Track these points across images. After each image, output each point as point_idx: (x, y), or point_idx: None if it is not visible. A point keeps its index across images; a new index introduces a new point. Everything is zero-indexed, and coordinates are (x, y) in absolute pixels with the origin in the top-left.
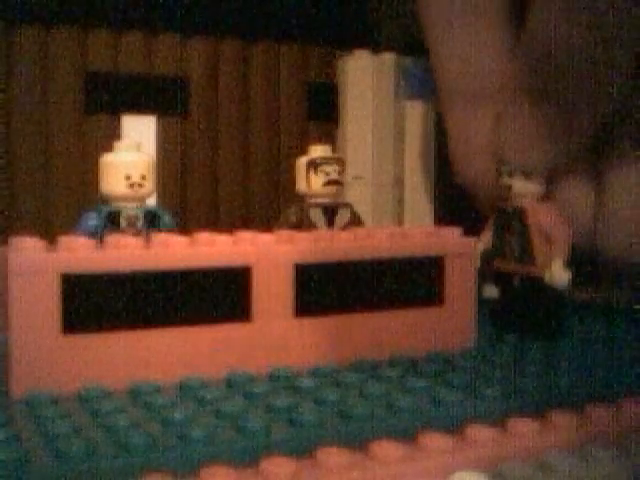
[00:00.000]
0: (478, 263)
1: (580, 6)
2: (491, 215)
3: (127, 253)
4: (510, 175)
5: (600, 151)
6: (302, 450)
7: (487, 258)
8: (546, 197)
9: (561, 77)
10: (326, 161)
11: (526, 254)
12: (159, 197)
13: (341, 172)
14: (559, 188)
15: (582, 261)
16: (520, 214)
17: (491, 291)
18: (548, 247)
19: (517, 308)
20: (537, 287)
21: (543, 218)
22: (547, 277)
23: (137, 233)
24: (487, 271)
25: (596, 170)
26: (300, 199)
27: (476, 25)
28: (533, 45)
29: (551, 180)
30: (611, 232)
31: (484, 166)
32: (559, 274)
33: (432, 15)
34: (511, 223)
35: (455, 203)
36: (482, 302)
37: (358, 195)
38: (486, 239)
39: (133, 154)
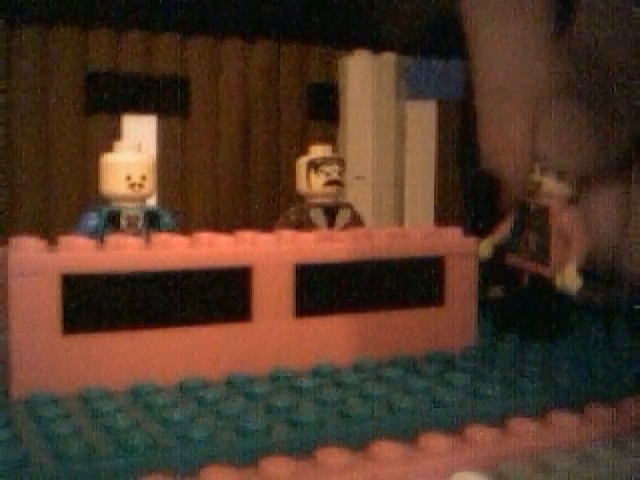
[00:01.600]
0: (489, 254)
1: (624, 7)
2: (510, 209)
3: (127, 253)
4: (542, 173)
5: (634, 165)
6: (302, 450)
7: (500, 252)
8: (572, 201)
9: (606, 81)
10: (326, 161)
11: (541, 254)
12: (159, 197)
13: (341, 172)
14: (588, 196)
15: (599, 273)
16: (543, 213)
17: (495, 290)
18: (565, 250)
19: (521, 307)
20: (546, 288)
21: (566, 220)
22: (559, 280)
23: (137, 233)
24: (495, 268)
25: (627, 184)
26: (300, 199)
27: (517, 22)
28: (578, 46)
29: (581, 186)
30: (635, 249)
31: (519, 162)
32: (571, 279)
33: (474, 9)
34: (532, 220)
35: (455, 203)
36: (485, 299)
37: (358, 195)
38: (503, 232)
39: (133, 154)
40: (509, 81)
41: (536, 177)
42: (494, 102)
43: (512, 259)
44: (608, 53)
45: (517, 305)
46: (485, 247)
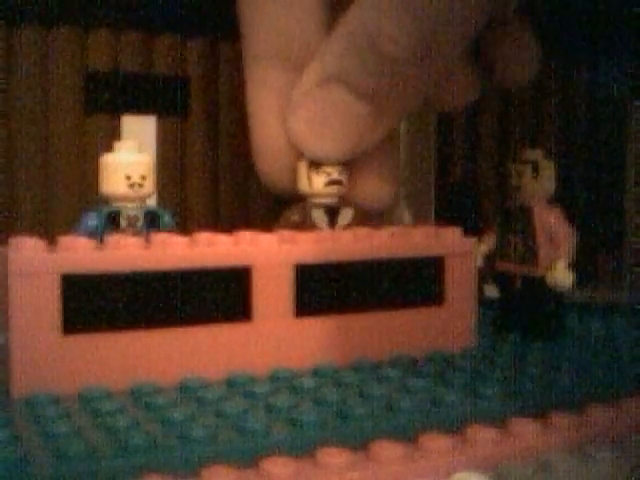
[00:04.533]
0: (480, 263)
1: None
2: (494, 216)
3: (127, 253)
4: (519, 176)
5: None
6: (302, 450)
7: (490, 259)
8: (553, 198)
9: (383, 70)
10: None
11: (529, 255)
12: (159, 197)
13: (342, 172)
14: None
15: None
16: (526, 214)
17: (491, 290)
18: (552, 248)
19: (518, 309)
20: (539, 288)
21: (549, 218)
22: (550, 278)
23: (137, 233)
24: (489, 272)
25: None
26: (301, 199)
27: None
28: (361, 33)
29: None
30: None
31: (280, 162)
32: (562, 276)
33: None
34: (515, 223)
35: (455, 203)
36: (485, 303)
37: None
38: (490, 240)
39: (133, 154)
40: (277, 49)
41: (515, 180)
42: (259, 72)
43: (502, 265)
44: (392, 44)
45: (513, 307)
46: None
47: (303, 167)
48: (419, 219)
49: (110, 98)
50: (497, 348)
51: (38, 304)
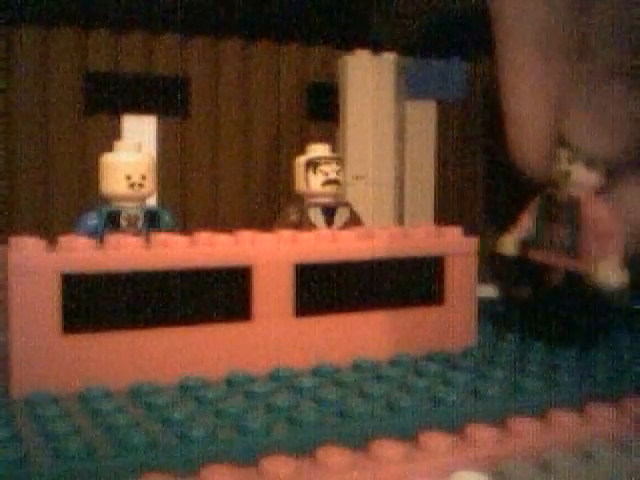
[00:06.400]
0: (513, 250)
1: None
2: (531, 202)
3: (127, 253)
4: (570, 162)
5: None
6: (302, 450)
7: (523, 247)
8: (601, 191)
9: None
10: (325, 161)
11: (573, 247)
12: (159, 197)
13: (340, 171)
14: (616, 185)
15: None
16: (574, 204)
17: (520, 291)
18: (601, 243)
19: (552, 308)
20: (581, 285)
21: (599, 211)
22: (596, 276)
23: (137, 233)
24: (521, 262)
25: None
26: (299, 199)
27: None
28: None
29: (611, 175)
30: None
31: (540, 148)
32: (610, 274)
33: None
34: (560, 212)
35: (455, 203)
36: (510, 300)
37: (358, 195)
38: (526, 226)
39: (133, 154)
40: (533, 32)
41: (564, 165)
42: (518, 59)
43: (537, 254)
44: None
45: (547, 307)
46: (509, 243)
47: (301, 167)
48: (419, 219)
49: (110, 98)
50: (497, 347)
51: (38, 304)
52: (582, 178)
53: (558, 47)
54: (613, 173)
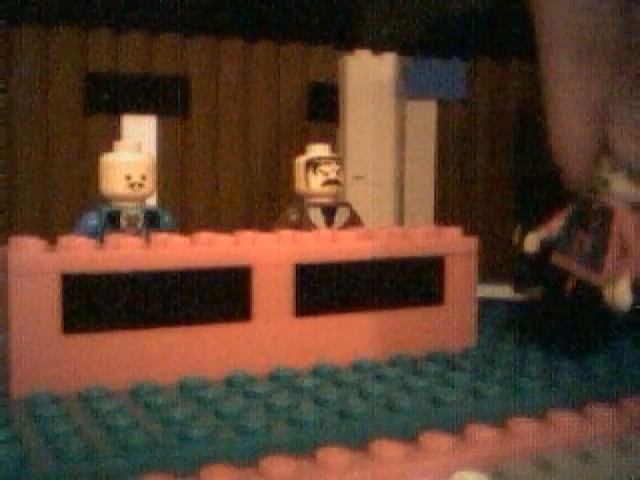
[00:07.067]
0: (535, 247)
1: None
2: (568, 205)
3: (127, 253)
4: (612, 170)
5: None
6: (302, 450)
7: (547, 249)
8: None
9: None
10: (325, 161)
11: (595, 258)
12: (159, 197)
13: (339, 171)
14: None
15: None
16: (606, 214)
17: (533, 292)
18: (622, 260)
19: (561, 312)
20: (592, 297)
21: (628, 226)
22: (609, 292)
23: (137, 233)
24: (540, 263)
25: None
26: (299, 199)
27: None
28: None
29: None
30: None
31: (581, 153)
32: (623, 294)
33: None
34: (591, 220)
35: (455, 203)
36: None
37: (358, 195)
38: (553, 228)
39: (133, 154)
40: (579, 36)
41: (604, 173)
42: (563, 65)
43: (559, 258)
44: None
45: (556, 309)
46: (531, 241)
47: (301, 167)
48: (419, 219)
49: (110, 98)
50: (497, 348)
51: (38, 304)
52: (621, 189)
53: (602, 54)
54: None
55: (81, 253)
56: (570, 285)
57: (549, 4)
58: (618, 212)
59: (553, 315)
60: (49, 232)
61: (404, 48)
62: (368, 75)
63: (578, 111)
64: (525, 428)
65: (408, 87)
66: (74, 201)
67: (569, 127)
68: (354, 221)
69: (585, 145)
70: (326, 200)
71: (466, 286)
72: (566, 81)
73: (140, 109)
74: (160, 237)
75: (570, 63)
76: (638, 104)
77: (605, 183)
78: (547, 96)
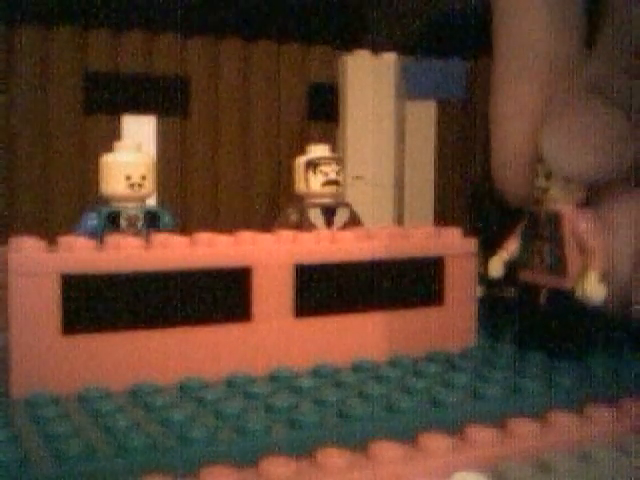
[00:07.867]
0: (500, 272)
1: None
2: (520, 221)
3: (127, 253)
4: (547, 177)
5: None
6: (302, 450)
7: (512, 268)
8: (584, 204)
9: None
10: (325, 161)
11: (557, 265)
12: (159, 197)
13: (339, 172)
14: (603, 200)
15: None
16: (554, 220)
17: (509, 290)
18: (583, 258)
19: (542, 325)
20: (567, 302)
21: (580, 225)
22: (579, 291)
23: (137, 233)
24: (509, 284)
25: None
26: (299, 199)
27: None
28: (621, 40)
29: (595, 189)
30: None
31: (520, 166)
32: (594, 289)
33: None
34: (543, 230)
35: (455, 203)
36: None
37: (358, 195)
38: (512, 248)
39: (133, 154)
40: (520, 54)
41: (541, 182)
42: (505, 80)
43: (526, 274)
44: None
45: (537, 323)
46: (495, 266)
47: (301, 167)
48: (419, 219)
49: (110, 98)
50: (497, 348)
51: (38, 304)
52: (560, 194)
53: (548, 64)
54: (597, 187)
55: (81, 253)
56: (544, 296)
57: (503, 11)
58: (566, 214)
59: (535, 325)
60: (49, 232)
61: (404, 48)
62: (368, 75)
63: (519, 117)
64: (525, 429)
65: (408, 87)
66: (74, 201)
67: (510, 131)
68: (354, 221)
69: (523, 152)
70: (326, 200)
71: (466, 287)
72: (509, 93)
73: (140, 109)
74: (160, 237)
75: (516, 69)
76: (566, 111)
77: (544, 191)
78: (492, 99)
